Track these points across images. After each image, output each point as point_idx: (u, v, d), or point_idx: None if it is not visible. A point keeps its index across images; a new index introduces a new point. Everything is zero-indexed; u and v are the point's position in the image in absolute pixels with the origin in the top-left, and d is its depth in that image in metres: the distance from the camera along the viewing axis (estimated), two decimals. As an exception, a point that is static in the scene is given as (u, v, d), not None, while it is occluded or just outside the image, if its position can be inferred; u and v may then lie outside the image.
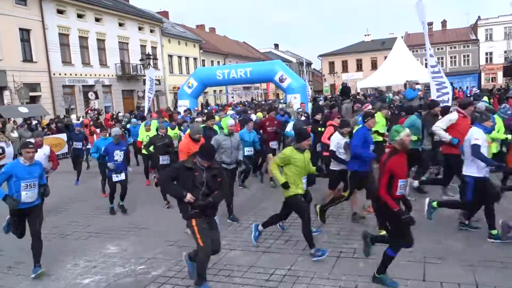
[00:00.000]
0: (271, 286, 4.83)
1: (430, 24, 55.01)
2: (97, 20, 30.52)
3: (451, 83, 28.28)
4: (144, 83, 24.71)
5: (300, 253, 5.72)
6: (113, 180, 8.24)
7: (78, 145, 12.47)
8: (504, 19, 52.99)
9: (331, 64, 63.86)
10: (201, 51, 44.96)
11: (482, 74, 51.43)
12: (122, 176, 8.29)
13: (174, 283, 5.06)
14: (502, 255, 5.18)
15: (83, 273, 5.57)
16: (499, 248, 5.42)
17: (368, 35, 65.06)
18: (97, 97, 29.49)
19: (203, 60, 45.23)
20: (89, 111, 23.80)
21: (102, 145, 9.23)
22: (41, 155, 7.47)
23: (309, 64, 62.66)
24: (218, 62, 47.46)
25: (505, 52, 48.13)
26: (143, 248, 6.34)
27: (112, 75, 31.94)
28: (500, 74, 49.47)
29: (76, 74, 28.53)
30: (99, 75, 30.58)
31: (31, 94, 24.57)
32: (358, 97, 21.09)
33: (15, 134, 16.30)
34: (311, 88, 22.81)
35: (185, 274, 5.28)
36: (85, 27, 29.37)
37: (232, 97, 43.66)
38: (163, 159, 8.72)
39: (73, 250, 6.43)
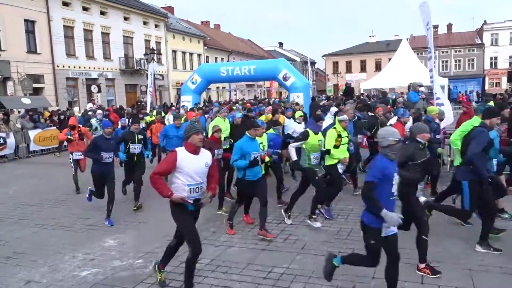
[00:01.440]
0: (268, 284, 4.82)
1: (435, 27, 54.87)
2: (102, 13, 30.53)
3: (455, 87, 28.29)
4: (147, 78, 24.72)
5: (299, 252, 5.72)
6: None
7: (107, 157, 7.54)
8: (510, 24, 52.80)
9: (335, 64, 63.79)
10: (205, 47, 44.94)
11: (486, 79, 51.41)
12: None
13: (172, 278, 5.06)
14: (500, 260, 5.17)
15: (81, 265, 5.57)
16: (498, 253, 5.41)
17: (373, 36, 64.94)
18: (100, 91, 29.52)
19: (207, 57, 45.20)
20: (93, 105, 23.80)
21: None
22: (199, 164, 4.49)
23: (313, 63, 62.55)
24: (222, 59, 47.41)
25: (510, 57, 47.95)
26: (142, 242, 6.34)
27: (116, 69, 31.96)
28: (504, 79, 49.33)
29: (79, 67, 28.57)
30: (103, 68, 30.61)
31: (35, 85, 24.61)
32: (361, 97, 21.02)
33: (18, 125, 16.37)
34: (313, 88, 22.75)
35: (183, 269, 5.28)
36: (90, 20, 29.39)
37: (235, 94, 43.63)
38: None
39: (72, 243, 6.44)
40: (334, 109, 9.58)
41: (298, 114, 10.27)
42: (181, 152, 4.43)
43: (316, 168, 6.85)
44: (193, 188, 4.44)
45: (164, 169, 4.45)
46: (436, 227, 6.35)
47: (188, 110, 16.36)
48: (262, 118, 10.73)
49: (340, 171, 6.97)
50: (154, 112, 16.10)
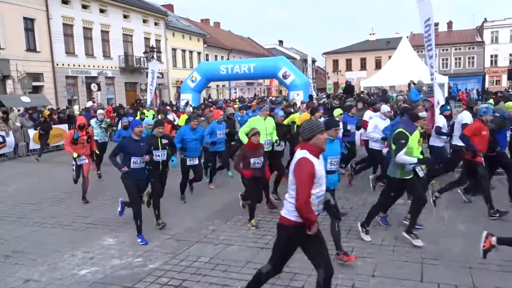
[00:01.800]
0: (267, 282, 4.79)
1: (436, 25, 54.77)
2: (101, 11, 30.52)
3: (455, 85, 28.23)
4: (147, 76, 24.73)
5: (299, 250, 5.69)
6: None
7: (138, 162, 6.49)
8: (511, 22, 52.74)
9: (335, 62, 63.75)
10: (205, 45, 44.91)
11: (487, 77, 51.34)
12: None
13: (171, 276, 5.05)
14: (499, 257, 5.15)
15: (80, 264, 5.56)
16: (497, 250, 5.39)
17: (373, 34, 64.96)
18: (99, 89, 29.52)
19: (207, 55, 45.17)
20: (93, 103, 23.77)
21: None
22: (323, 168, 3.78)
23: (313, 61, 62.58)
24: (222, 57, 47.37)
25: (510, 55, 47.92)
26: (141, 241, 6.32)
27: (116, 67, 31.96)
28: (504, 77, 49.29)
29: (79, 65, 28.56)
30: (103, 66, 30.60)
31: (34, 84, 24.61)
32: (362, 95, 21.00)
33: (17, 123, 16.35)
34: (313, 86, 22.45)
35: (182, 268, 5.28)
36: (90, 18, 29.38)
37: (235, 92, 43.59)
38: None
39: (71, 241, 6.42)
40: (386, 108, 8.65)
41: (338, 112, 9.01)
42: (313, 160, 3.54)
43: (408, 176, 5.73)
44: (321, 200, 3.70)
45: (311, 189, 3.49)
46: (436, 224, 6.35)
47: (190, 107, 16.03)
48: (296, 116, 9.95)
49: (421, 174, 5.97)
50: (145, 111, 15.64)
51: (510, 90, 28.29)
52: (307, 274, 4.95)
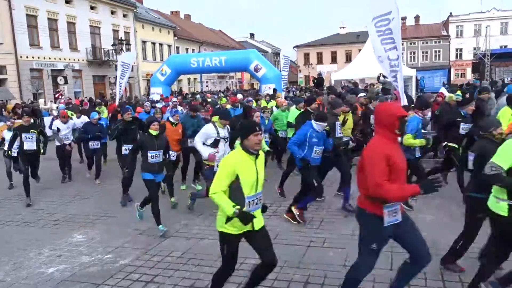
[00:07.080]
0: (240, 275, 4.80)
1: (403, 18, 55.86)
2: (67, 2, 29.62)
3: (422, 77, 28.88)
4: (116, 69, 24.14)
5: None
6: None
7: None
8: (474, 17, 54.36)
9: (306, 56, 64.18)
10: (176, 38, 44.26)
11: (452, 70, 52.84)
12: None
13: (142, 272, 4.97)
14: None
15: (47, 262, 5.39)
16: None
17: (343, 27, 65.62)
18: (66, 82, 28.64)
19: (178, 47, 44.55)
20: (60, 96, 23.06)
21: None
22: None
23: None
24: (193, 49, 46.84)
25: (474, 49, 49.39)
26: (111, 237, 6.20)
27: (83, 60, 31.11)
28: (469, 70, 50.84)
29: (44, 58, 27.62)
30: (69, 59, 29.70)
31: (-4, 77, 23.70)
32: (333, 88, 21.13)
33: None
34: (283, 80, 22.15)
35: (154, 263, 5.20)
36: (54, 9, 28.42)
37: (207, 86, 43.25)
38: None
39: (37, 239, 6.22)
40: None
41: None
42: None
43: None
44: None
45: None
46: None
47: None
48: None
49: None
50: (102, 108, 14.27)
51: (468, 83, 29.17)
52: (280, 266, 4.96)
